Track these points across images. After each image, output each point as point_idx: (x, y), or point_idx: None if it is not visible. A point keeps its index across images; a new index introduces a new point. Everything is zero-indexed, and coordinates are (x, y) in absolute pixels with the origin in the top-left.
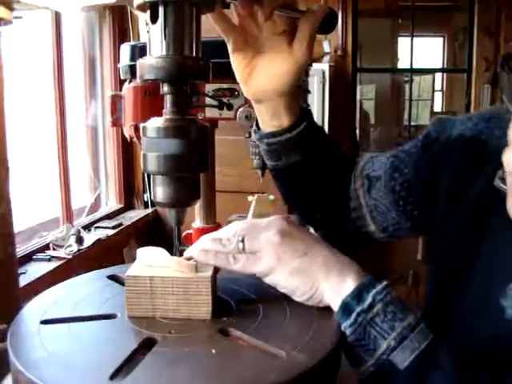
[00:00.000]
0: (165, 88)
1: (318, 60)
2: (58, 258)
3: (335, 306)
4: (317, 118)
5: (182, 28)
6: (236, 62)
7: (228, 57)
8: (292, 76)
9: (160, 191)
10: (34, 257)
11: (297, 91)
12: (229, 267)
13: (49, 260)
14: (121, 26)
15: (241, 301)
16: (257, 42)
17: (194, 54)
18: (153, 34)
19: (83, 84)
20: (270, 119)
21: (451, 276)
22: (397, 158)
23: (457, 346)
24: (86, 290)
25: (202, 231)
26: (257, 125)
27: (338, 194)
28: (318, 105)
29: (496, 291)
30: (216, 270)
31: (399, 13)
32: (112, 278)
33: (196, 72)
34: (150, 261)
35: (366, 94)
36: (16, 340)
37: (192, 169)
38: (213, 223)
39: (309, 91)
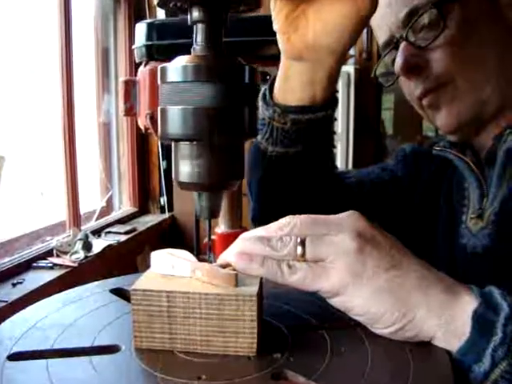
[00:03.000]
0: (195, 13)
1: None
2: (62, 266)
3: (456, 334)
4: (341, 121)
5: None
6: (278, 5)
7: (258, 35)
8: (350, 29)
9: (186, 166)
10: (35, 264)
11: (346, 57)
12: (281, 280)
13: (51, 268)
14: (136, 12)
15: (297, 328)
16: None
17: None
18: None
19: (95, 78)
20: (302, 88)
21: None
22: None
23: None
24: (81, 309)
25: (227, 237)
26: (270, 95)
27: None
28: (343, 108)
29: None
30: (262, 282)
31: None
32: (116, 292)
33: None
34: (169, 269)
35: (384, 103)
36: None
37: (234, 130)
38: (239, 228)
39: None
